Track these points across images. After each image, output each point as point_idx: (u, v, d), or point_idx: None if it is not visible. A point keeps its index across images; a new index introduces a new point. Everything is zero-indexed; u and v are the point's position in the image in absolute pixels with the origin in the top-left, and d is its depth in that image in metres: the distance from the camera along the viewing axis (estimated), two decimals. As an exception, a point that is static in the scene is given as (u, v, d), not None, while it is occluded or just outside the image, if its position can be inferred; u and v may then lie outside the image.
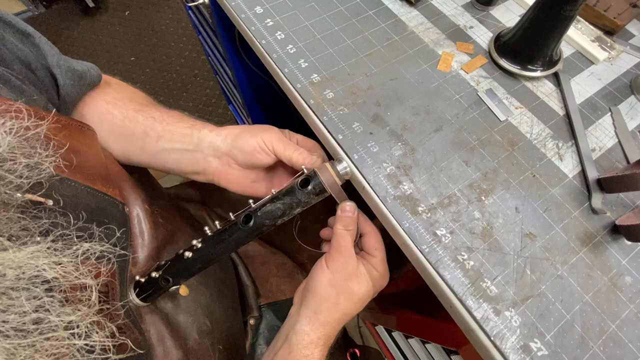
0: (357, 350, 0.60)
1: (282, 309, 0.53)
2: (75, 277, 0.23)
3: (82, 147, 0.32)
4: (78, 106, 0.39)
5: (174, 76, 1.58)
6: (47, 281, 0.22)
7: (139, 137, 0.40)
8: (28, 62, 0.32)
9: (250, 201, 0.36)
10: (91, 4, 1.72)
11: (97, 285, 0.26)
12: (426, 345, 0.54)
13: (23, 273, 0.21)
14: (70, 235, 0.25)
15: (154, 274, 0.33)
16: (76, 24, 1.73)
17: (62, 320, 0.22)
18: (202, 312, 0.40)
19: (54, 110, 0.30)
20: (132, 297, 0.33)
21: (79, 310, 0.23)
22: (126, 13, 1.78)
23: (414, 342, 0.59)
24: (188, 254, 0.34)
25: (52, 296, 0.22)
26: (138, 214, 0.37)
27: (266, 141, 0.37)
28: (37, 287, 0.21)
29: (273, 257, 0.60)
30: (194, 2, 0.56)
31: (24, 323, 0.20)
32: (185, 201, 0.59)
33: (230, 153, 0.39)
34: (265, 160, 0.38)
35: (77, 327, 0.22)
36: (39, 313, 0.21)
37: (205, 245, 0.34)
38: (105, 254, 0.28)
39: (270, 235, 0.61)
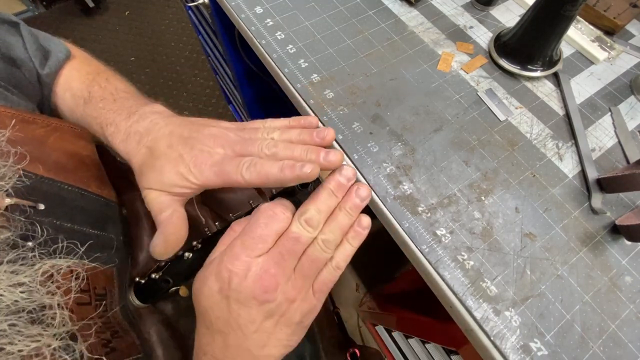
0: (357, 350, 0.60)
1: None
2: (40, 296, 0.22)
3: (75, 149, 0.31)
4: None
5: (174, 76, 1.58)
6: (8, 306, 0.21)
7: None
8: (13, 59, 0.31)
9: (251, 202, 0.36)
10: (91, 4, 1.72)
11: (69, 300, 0.24)
12: (426, 345, 0.54)
13: None
14: (35, 249, 0.24)
15: (153, 275, 0.33)
16: (76, 24, 1.73)
17: (22, 350, 0.20)
18: None
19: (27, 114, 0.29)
20: (132, 298, 0.33)
21: (45, 331, 0.22)
22: (126, 13, 1.78)
23: (414, 342, 0.59)
24: (188, 255, 0.34)
25: (14, 322, 0.21)
26: (137, 215, 0.36)
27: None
28: None
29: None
30: (194, 2, 0.56)
31: None
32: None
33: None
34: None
35: (41, 354, 0.21)
36: None
37: (205, 245, 0.34)
38: (72, 267, 0.26)
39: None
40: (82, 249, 0.27)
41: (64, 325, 0.23)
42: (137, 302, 0.33)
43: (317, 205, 0.26)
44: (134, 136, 0.30)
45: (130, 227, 0.35)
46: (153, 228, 0.37)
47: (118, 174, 0.38)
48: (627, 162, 0.37)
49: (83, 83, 0.37)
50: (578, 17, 0.46)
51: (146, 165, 0.29)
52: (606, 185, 0.34)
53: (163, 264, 0.35)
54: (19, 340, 0.20)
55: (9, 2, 1.73)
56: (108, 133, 0.32)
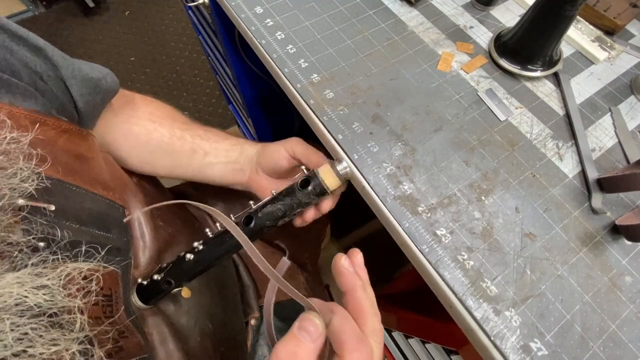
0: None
1: (282, 309, 0.53)
2: (61, 299, 0.23)
3: (81, 151, 0.32)
4: (122, 126, 0.42)
5: (174, 76, 1.58)
6: (31, 308, 0.21)
7: (187, 153, 0.44)
8: (40, 74, 0.32)
9: (251, 202, 0.36)
10: (91, 4, 1.71)
11: (87, 305, 0.25)
12: (426, 345, 0.54)
13: (5, 302, 0.20)
14: (57, 252, 0.24)
15: (155, 277, 0.33)
16: (76, 24, 1.72)
17: (43, 353, 0.20)
18: (204, 314, 0.40)
19: (40, 117, 0.29)
20: (135, 299, 0.33)
21: (64, 336, 0.22)
22: (126, 13, 1.78)
23: (414, 342, 0.59)
24: (189, 256, 0.34)
25: (35, 326, 0.21)
26: (138, 217, 0.37)
27: (286, 146, 0.41)
28: (20, 316, 0.20)
29: (273, 257, 0.60)
30: (194, 2, 0.56)
31: (4, 358, 0.19)
32: (186, 202, 0.59)
33: (257, 161, 0.43)
34: (284, 163, 0.41)
35: (61, 358, 0.21)
36: (20, 346, 0.20)
37: (206, 247, 0.34)
38: (92, 272, 0.27)
39: (271, 235, 0.61)
40: (90, 251, 0.27)
41: (82, 330, 0.23)
42: (139, 303, 0.33)
43: (373, 309, 0.24)
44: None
45: (132, 229, 0.35)
46: (154, 230, 0.37)
47: (119, 177, 0.38)
48: (627, 162, 0.37)
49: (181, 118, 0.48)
50: (578, 17, 0.45)
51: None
52: (606, 185, 0.34)
53: (165, 265, 0.35)
54: (41, 344, 0.20)
55: (9, 2, 1.73)
56: (239, 141, 0.46)
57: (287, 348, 0.21)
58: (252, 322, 0.52)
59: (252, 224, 0.34)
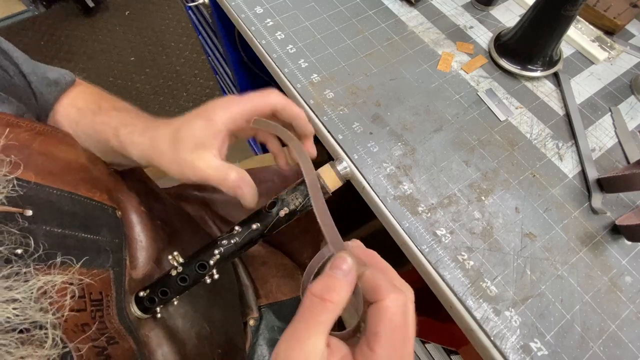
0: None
1: (282, 309, 0.53)
2: (32, 314, 0.22)
3: (59, 153, 0.31)
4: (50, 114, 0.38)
5: (174, 76, 1.58)
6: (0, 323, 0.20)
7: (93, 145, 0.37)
8: (7, 71, 0.32)
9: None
10: (91, 4, 1.72)
11: (62, 317, 0.24)
12: (426, 345, 0.54)
13: None
14: (29, 264, 0.23)
15: (159, 292, 0.33)
16: (76, 24, 1.73)
17: None
18: (201, 316, 0.40)
19: (22, 119, 0.29)
20: (134, 310, 0.32)
21: (36, 352, 0.21)
22: (126, 13, 1.78)
23: (414, 342, 0.59)
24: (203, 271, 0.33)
25: (4, 342, 0.20)
26: (133, 217, 0.36)
27: (223, 118, 0.30)
28: None
29: (273, 257, 0.60)
30: (194, 2, 0.56)
31: None
32: (185, 202, 0.59)
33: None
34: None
35: None
36: None
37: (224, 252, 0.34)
38: (67, 282, 0.25)
39: (271, 236, 0.61)
40: (76, 255, 0.27)
41: (55, 346, 0.23)
42: (138, 313, 0.32)
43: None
44: (156, 126, 0.32)
45: (127, 229, 0.35)
46: (151, 230, 0.37)
47: (108, 177, 0.37)
48: (627, 162, 0.37)
49: (90, 100, 0.39)
50: (578, 17, 0.46)
51: (177, 137, 0.30)
52: (606, 185, 0.34)
53: (157, 279, 0.34)
54: None
55: (9, 2, 1.73)
56: (124, 132, 0.33)
57: (321, 283, 0.22)
58: (251, 322, 0.51)
59: (275, 209, 0.33)
